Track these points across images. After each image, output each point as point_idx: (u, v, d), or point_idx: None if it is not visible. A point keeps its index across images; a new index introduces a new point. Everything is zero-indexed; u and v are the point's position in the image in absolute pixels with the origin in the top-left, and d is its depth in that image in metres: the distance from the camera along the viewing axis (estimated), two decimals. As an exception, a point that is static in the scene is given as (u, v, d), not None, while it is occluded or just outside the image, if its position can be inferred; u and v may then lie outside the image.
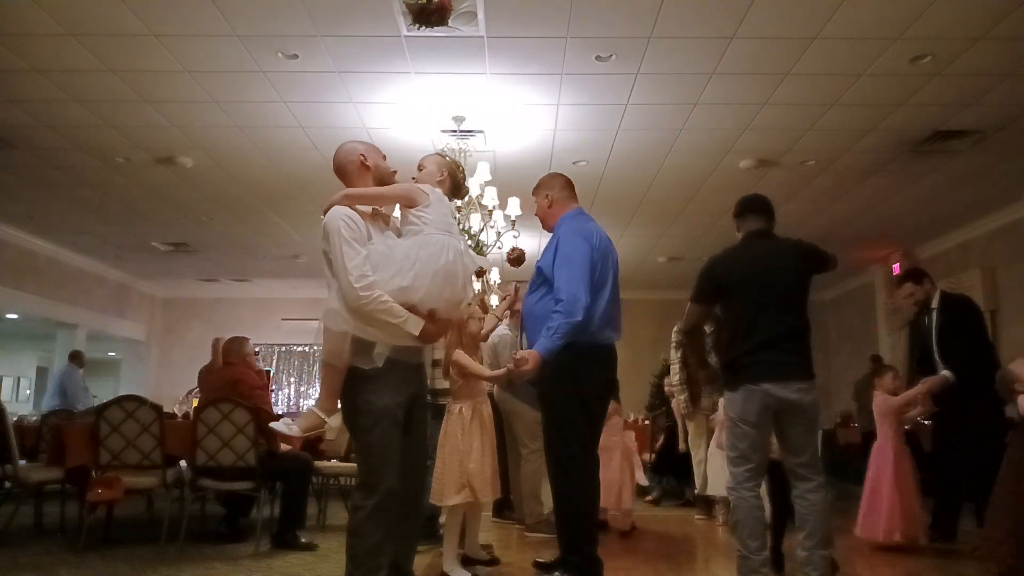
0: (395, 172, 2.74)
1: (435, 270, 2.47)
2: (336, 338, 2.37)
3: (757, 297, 3.13)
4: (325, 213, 2.50)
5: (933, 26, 4.28)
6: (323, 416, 2.44)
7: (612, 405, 4.02)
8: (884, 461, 4.39)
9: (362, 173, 2.64)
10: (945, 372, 4.31)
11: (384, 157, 2.74)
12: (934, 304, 4.59)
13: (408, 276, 2.43)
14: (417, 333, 2.40)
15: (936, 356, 4.47)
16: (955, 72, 4.81)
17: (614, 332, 3.29)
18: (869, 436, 5.32)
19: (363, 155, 2.65)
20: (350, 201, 2.54)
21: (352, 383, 2.43)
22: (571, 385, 3.14)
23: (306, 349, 12.54)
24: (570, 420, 3.15)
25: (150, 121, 5.62)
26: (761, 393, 3.05)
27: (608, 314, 3.23)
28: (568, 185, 3.54)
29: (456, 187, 2.92)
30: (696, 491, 5.80)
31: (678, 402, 5.78)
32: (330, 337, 2.38)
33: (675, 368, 5.74)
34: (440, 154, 2.94)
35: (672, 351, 5.83)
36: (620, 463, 4.89)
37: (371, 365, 2.40)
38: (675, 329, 5.73)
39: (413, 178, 2.86)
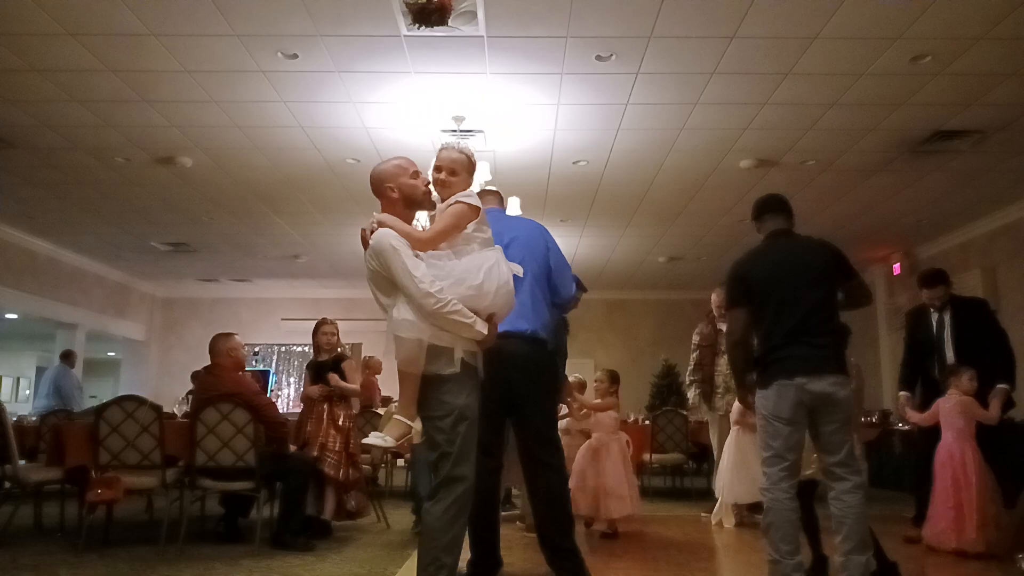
0: (428, 184, 2.69)
1: (499, 284, 2.57)
2: (410, 346, 2.46)
3: (783, 293, 3.12)
4: (370, 235, 2.52)
5: (933, 26, 4.28)
6: (408, 422, 2.54)
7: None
8: (955, 464, 4.24)
9: (392, 203, 2.63)
10: (1003, 385, 4.39)
11: (416, 173, 2.67)
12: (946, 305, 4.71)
13: (477, 282, 2.53)
14: (486, 332, 2.53)
15: (951, 356, 4.61)
16: (955, 72, 4.81)
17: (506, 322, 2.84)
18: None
19: (390, 185, 2.62)
20: (422, 247, 2.57)
21: (430, 386, 2.53)
22: None
23: (306, 349, 12.52)
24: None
25: (150, 121, 5.62)
26: (795, 388, 3.01)
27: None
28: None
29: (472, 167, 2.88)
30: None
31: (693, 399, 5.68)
32: (404, 346, 2.46)
33: (691, 368, 5.79)
34: (459, 151, 2.77)
35: (694, 353, 5.82)
36: (587, 469, 4.83)
37: (451, 369, 2.51)
38: (696, 331, 5.82)
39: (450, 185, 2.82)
